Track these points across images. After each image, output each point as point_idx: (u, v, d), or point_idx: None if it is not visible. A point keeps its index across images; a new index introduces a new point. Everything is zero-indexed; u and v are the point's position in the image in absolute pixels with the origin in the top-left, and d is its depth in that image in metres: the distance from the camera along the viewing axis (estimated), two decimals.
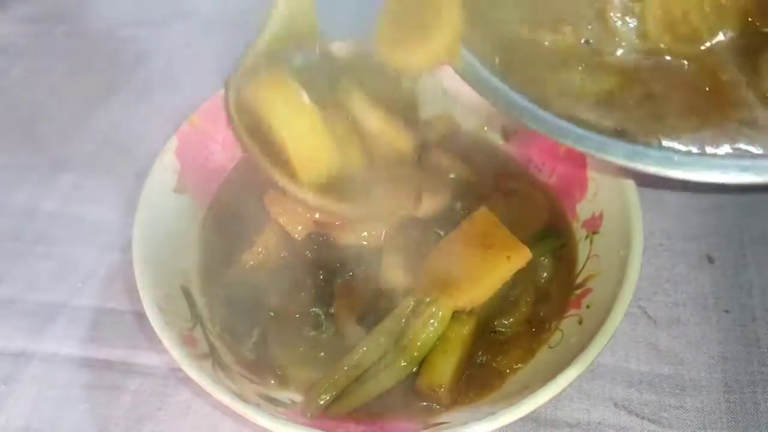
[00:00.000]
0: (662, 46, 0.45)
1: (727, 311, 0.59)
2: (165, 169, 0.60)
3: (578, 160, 0.59)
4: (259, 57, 0.57)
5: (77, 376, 0.58)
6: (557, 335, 0.53)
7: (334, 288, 0.56)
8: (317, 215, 0.57)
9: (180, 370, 0.48)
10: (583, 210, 0.59)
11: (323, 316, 0.55)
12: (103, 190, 0.71)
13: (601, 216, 0.57)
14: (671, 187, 0.68)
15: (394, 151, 0.58)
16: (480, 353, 0.53)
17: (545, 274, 0.57)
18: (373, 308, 0.54)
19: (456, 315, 0.52)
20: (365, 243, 0.57)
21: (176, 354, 0.48)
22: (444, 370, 0.51)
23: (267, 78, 0.56)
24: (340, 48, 0.61)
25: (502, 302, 0.54)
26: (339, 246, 0.57)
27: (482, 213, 0.56)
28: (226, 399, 0.46)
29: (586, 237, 0.57)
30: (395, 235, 0.57)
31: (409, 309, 0.52)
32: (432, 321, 0.51)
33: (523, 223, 0.57)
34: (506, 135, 0.66)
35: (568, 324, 0.53)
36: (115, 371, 0.58)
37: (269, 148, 0.55)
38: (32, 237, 0.69)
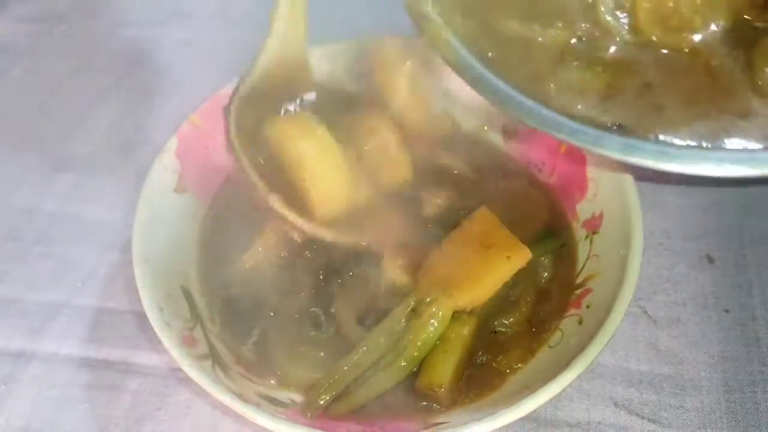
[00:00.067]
0: (654, 39, 0.45)
1: (727, 311, 0.59)
2: (165, 169, 0.60)
3: (578, 160, 0.59)
4: (255, 88, 0.59)
5: (77, 376, 0.58)
6: (557, 335, 0.53)
7: (334, 288, 0.56)
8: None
9: (180, 370, 0.48)
10: (583, 210, 0.59)
11: (323, 316, 0.55)
12: (103, 190, 0.71)
13: (601, 216, 0.57)
14: (671, 186, 0.68)
15: (398, 179, 0.61)
16: (480, 353, 0.53)
17: (546, 273, 0.57)
18: (373, 308, 0.54)
19: (456, 315, 0.52)
20: (365, 243, 0.57)
21: (176, 354, 0.48)
22: (444, 370, 0.51)
23: (294, 116, 0.59)
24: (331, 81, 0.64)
25: (502, 302, 0.54)
26: (339, 246, 0.57)
27: (482, 213, 0.56)
28: (226, 399, 0.46)
29: (586, 237, 0.57)
30: (395, 235, 0.57)
31: (409, 309, 0.52)
32: (432, 321, 0.51)
33: (523, 223, 0.57)
34: (506, 135, 0.66)
35: (568, 324, 0.53)
36: (115, 371, 0.58)
37: (275, 180, 0.56)
38: (32, 237, 0.69)
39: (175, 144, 0.61)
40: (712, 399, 0.55)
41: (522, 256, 0.53)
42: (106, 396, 0.57)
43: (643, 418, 0.54)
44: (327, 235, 0.56)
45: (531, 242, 0.54)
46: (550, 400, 0.45)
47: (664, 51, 0.45)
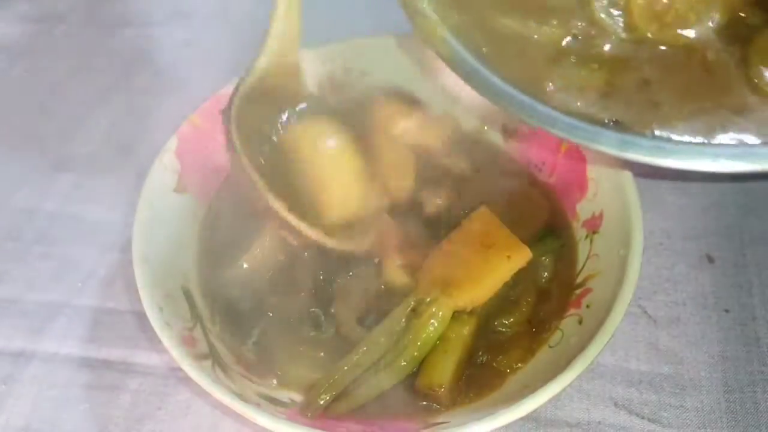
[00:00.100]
0: (650, 35, 0.45)
1: (727, 311, 0.59)
2: (165, 169, 0.59)
3: (578, 160, 0.59)
4: (254, 88, 0.58)
5: (77, 376, 0.58)
6: (557, 335, 0.53)
7: (334, 288, 0.56)
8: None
9: (180, 369, 0.47)
10: (583, 209, 0.59)
11: (323, 316, 0.55)
12: (103, 190, 0.71)
13: (601, 215, 0.57)
14: (671, 186, 0.68)
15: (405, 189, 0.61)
16: (480, 353, 0.53)
17: (546, 273, 0.57)
18: (373, 308, 0.54)
19: (456, 315, 0.52)
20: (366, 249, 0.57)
21: (176, 354, 0.48)
22: (444, 370, 0.51)
23: (314, 118, 0.59)
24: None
25: (502, 302, 0.54)
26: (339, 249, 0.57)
27: (482, 213, 0.56)
28: (226, 399, 0.46)
29: (586, 236, 0.57)
30: (395, 235, 0.57)
31: (409, 309, 0.52)
32: (432, 321, 0.51)
33: (523, 223, 0.57)
34: (506, 135, 0.66)
35: (568, 323, 0.53)
36: (115, 371, 0.58)
37: (277, 182, 0.55)
38: (32, 237, 0.69)
39: (175, 144, 0.60)
40: (712, 399, 0.55)
41: (522, 256, 0.53)
42: (106, 396, 0.57)
43: (643, 417, 0.54)
44: (329, 242, 0.56)
45: (531, 242, 0.54)
46: (550, 400, 0.45)
47: (662, 47, 0.45)
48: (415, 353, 0.51)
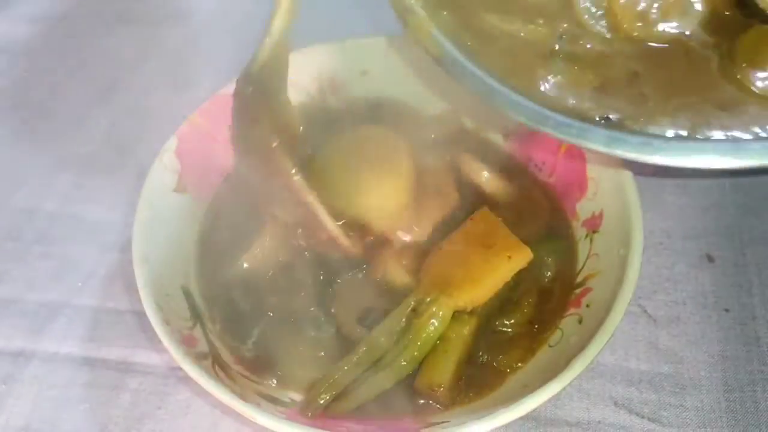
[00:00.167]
0: (635, 34, 0.45)
1: (727, 310, 0.59)
2: (165, 168, 0.59)
3: (578, 159, 0.59)
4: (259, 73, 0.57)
5: (77, 376, 0.58)
6: (557, 334, 0.53)
7: (334, 288, 0.56)
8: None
9: (180, 369, 0.47)
10: (583, 209, 0.59)
11: (323, 316, 0.55)
12: (103, 190, 0.71)
13: (601, 215, 0.57)
14: (671, 186, 0.68)
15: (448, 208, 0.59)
16: (480, 353, 0.53)
17: (549, 273, 0.56)
18: (373, 308, 0.54)
19: (457, 315, 0.52)
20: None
21: (176, 353, 0.48)
22: (444, 369, 0.51)
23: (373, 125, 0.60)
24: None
25: (504, 302, 0.54)
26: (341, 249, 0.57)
27: (483, 213, 0.56)
28: (226, 398, 0.46)
29: (586, 236, 0.57)
30: (395, 235, 0.57)
31: (409, 309, 0.52)
32: (432, 321, 0.51)
33: (523, 223, 0.57)
34: (506, 134, 0.66)
35: (567, 323, 0.53)
36: (115, 370, 0.58)
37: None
38: (32, 237, 0.69)
39: (175, 144, 0.60)
40: (712, 398, 0.55)
41: (523, 256, 0.53)
42: (106, 395, 0.57)
43: (642, 417, 0.54)
44: (351, 248, 0.56)
45: (533, 242, 0.54)
46: (550, 400, 0.45)
47: (651, 44, 0.46)
48: (415, 353, 0.51)
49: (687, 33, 0.45)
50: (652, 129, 0.42)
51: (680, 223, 0.65)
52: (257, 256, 0.58)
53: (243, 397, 0.47)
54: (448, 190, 0.59)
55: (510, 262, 0.53)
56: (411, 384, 0.51)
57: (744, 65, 0.43)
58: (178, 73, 0.81)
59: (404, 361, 0.51)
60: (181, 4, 0.92)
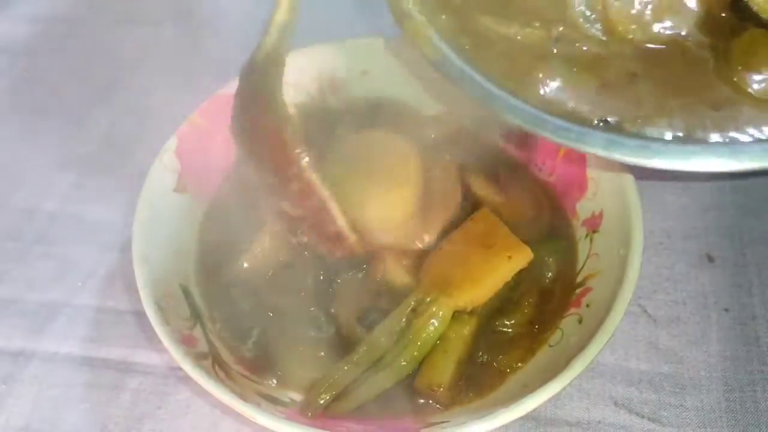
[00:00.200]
0: (631, 36, 0.46)
1: (727, 310, 0.59)
2: (165, 168, 0.59)
3: (578, 159, 0.59)
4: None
5: (77, 376, 0.58)
6: (557, 334, 0.53)
7: (334, 288, 0.56)
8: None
9: (180, 369, 0.48)
10: (583, 209, 0.59)
11: (323, 316, 0.55)
12: (103, 190, 0.71)
13: (601, 215, 0.57)
14: (671, 186, 0.68)
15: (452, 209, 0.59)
16: (480, 353, 0.53)
17: (550, 274, 0.56)
18: (373, 308, 0.54)
19: (457, 315, 0.52)
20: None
21: (176, 353, 0.48)
22: (444, 369, 0.51)
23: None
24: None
25: (504, 302, 0.54)
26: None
27: (483, 213, 0.56)
28: (226, 398, 0.46)
29: (586, 236, 0.57)
30: (395, 235, 0.57)
31: (409, 309, 0.52)
32: (432, 321, 0.51)
33: (524, 223, 0.57)
34: (506, 134, 0.66)
35: (567, 323, 0.53)
36: (115, 370, 0.58)
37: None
38: (32, 237, 0.69)
39: (175, 143, 0.60)
40: (712, 398, 0.55)
41: (523, 256, 0.53)
42: (106, 395, 0.57)
43: (642, 417, 0.54)
44: (356, 244, 0.55)
45: (533, 242, 0.54)
46: (550, 399, 0.45)
47: (649, 45, 0.46)
48: (415, 353, 0.51)
49: (683, 33, 0.45)
50: (650, 131, 0.42)
51: (680, 223, 0.65)
52: (257, 256, 0.58)
53: (243, 397, 0.47)
54: (452, 194, 0.59)
55: (510, 262, 0.53)
56: (411, 384, 0.51)
57: (740, 68, 0.43)
58: (178, 73, 0.81)
59: (404, 361, 0.51)
60: (181, 4, 0.92)
